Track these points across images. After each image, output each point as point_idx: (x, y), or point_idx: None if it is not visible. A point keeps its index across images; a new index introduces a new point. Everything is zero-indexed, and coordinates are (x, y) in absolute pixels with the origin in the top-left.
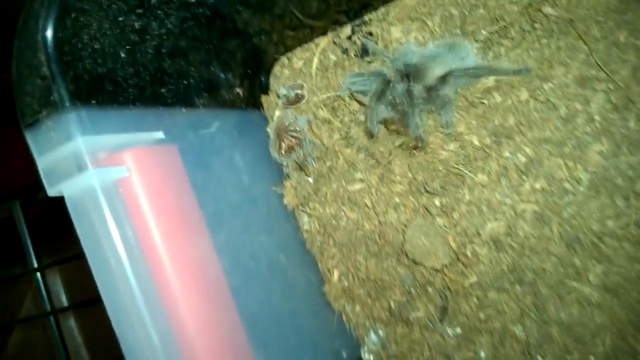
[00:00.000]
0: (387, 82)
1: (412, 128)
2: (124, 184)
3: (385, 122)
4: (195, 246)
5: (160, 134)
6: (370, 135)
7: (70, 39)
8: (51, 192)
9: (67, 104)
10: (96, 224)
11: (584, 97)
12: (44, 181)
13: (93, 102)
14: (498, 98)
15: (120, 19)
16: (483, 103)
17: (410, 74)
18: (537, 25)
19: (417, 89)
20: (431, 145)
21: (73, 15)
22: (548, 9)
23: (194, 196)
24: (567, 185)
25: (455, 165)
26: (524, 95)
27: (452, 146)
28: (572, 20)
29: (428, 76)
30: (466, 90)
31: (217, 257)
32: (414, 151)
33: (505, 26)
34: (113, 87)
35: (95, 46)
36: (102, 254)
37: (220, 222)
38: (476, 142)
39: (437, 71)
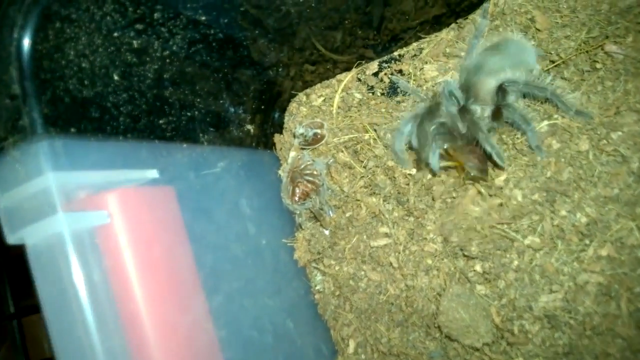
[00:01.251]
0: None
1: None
2: (102, 234)
3: (447, 152)
4: (186, 312)
5: (154, 173)
6: (433, 173)
7: (52, 53)
8: (11, 238)
9: (39, 131)
10: (62, 284)
11: None
12: (4, 224)
13: (72, 130)
14: (552, 146)
15: (115, 34)
16: (533, 152)
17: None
18: (598, 65)
19: (473, 106)
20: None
21: (57, 25)
22: (612, 47)
23: (190, 249)
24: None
25: (498, 225)
26: (585, 145)
27: (491, 202)
28: None
29: (481, 90)
30: (512, 134)
31: (213, 325)
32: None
33: (558, 64)
34: (100, 114)
35: (83, 64)
36: (67, 321)
37: (218, 282)
38: (520, 198)
39: (490, 82)
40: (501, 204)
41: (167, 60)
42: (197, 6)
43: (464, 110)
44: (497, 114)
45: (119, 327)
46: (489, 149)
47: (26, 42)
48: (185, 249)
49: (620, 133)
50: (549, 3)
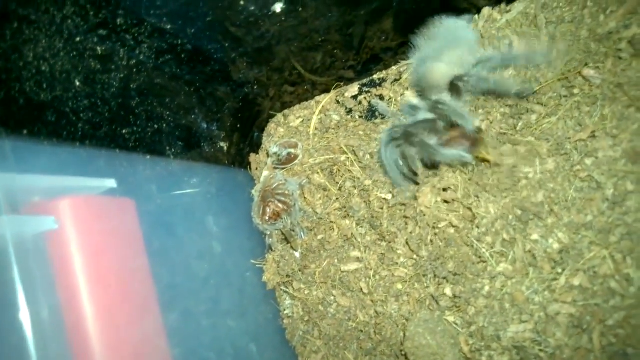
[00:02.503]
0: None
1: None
2: (50, 240)
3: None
4: (137, 326)
5: (111, 182)
6: (414, 173)
7: (9, 53)
8: None
9: None
10: (2, 290)
11: (637, 175)
12: None
13: (25, 132)
14: (529, 167)
15: (78, 38)
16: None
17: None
18: (575, 90)
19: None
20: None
21: (15, 25)
22: (590, 72)
23: (147, 263)
24: (613, 284)
25: (469, 237)
26: (557, 169)
27: (464, 214)
28: (620, 85)
29: (432, 79)
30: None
31: (166, 343)
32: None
33: (536, 91)
34: (57, 118)
35: (43, 67)
36: (4, 327)
37: (175, 299)
38: (493, 212)
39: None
40: (474, 217)
41: (134, 70)
42: (161, 13)
43: (431, 105)
44: (454, 90)
45: (61, 336)
46: (459, 120)
47: None
48: (142, 262)
49: (594, 159)
50: (528, 29)
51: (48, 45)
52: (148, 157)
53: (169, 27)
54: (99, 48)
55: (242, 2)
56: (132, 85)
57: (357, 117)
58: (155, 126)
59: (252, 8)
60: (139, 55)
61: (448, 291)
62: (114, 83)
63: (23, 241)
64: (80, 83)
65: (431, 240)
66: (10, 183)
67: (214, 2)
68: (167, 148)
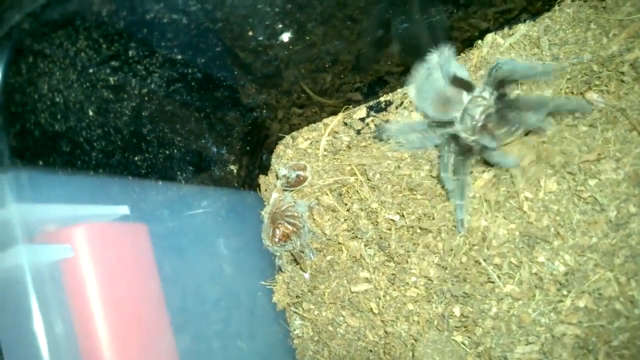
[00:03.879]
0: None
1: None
2: (66, 268)
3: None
4: (151, 351)
5: (124, 209)
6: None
7: (24, 86)
8: None
9: (5, 163)
10: (19, 316)
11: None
12: None
13: (40, 163)
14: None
15: (91, 70)
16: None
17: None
18: (577, 113)
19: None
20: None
21: (30, 59)
22: (593, 95)
23: (160, 288)
24: (618, 305)
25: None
26: (562, 190)
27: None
28: (623, 109)
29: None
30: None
31: None
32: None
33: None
34: (71, 148)
35: (57, 99)
36: (23, 355)
37: (186, 322)
38: (502, 235)
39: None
40: (484, 238)
41: (146, 98)
42: (172, 45)
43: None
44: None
45: None
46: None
47: None
48: (155, 287)
49: (597, 181)
50: (531, 51)
51: (62, 78)
52: (160, 182)
53: (179, 57)
54: (111, 79)
55: (250, 33)
56: (143, 113)
57: (368, 137)
58: (167, 152)
59: (261, 38)
60: (150, 84)
61: (457, 311)
62: (126, 112)
63: (39, 270)
64: (93, 113)
65: (442, 260)
66: (27, 213)
67: (223, 33)
68: (179, 173)
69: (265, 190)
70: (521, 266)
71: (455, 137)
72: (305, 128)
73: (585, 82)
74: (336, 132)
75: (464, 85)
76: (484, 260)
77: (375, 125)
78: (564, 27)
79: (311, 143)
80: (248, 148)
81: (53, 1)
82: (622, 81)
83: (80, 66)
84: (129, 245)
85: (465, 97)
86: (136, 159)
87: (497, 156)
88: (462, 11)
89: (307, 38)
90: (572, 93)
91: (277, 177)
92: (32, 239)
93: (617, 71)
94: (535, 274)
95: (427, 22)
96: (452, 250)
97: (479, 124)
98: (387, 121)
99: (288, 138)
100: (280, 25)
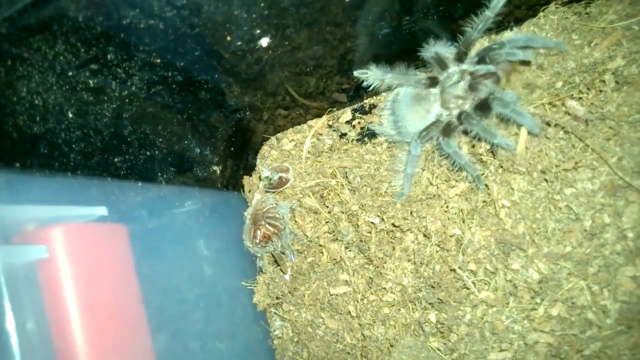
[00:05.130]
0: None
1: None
2: (42, 268)
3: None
4: (126, 350)
5: (102, 210)
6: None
7: (3, 89)
8: None
9: None
10: None
11: (615, 208)
12: None
13: (17, 165)
14: (507, 198)
15: (70, 73)
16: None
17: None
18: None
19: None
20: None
21: (8, 63)
22: (573, 103)
23: (138, 288)
24: (590, 315)
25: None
26: (542, 197)
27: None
28: (602, 118)
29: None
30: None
31: None
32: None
33: None
34: (49, 150)
35: (36, 102)
36: None
37: (165, 322)
38: (477, 243)
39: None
40: (459, 244)
41: (126, 100)
42: (150, 49)
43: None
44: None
45: None
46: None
47: None
48: (132, 286)
49: (573, 190)
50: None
51: (41, 80)
52: (140, 183)
53: (158, 60)
54: (90, 81)
55: (228, 38)
56: (124, 115)
57: (351, 140)
58: (148, 153)
59: (239, 43)
60: (130, 86)
61: (432, 317)
62: (106, 114)
63: (14, 270)
64: (72, 115)
65: (419, 265)
66: (3, 215)
67: (202, 38)
68: (159, 174)
69: (249, 191)
70: (496, 273)
71: (448, 127)
72: (290, 129)
73: (566, 90)
74: (320, 134)
75: (440, 62)
76: (459, 268)
77: (361, 128)
78: (549, 35)
79: (296, 145)
80: (232, 149)
81: (30, 6)
82: (601, 90)
83: (59, 69)
84: (107, 245)
85: (435, 90)
86: (116, 160)
87: (499, 137)
88: (447, 17)
89: (287, 43)
90: (553, 101)
91: (260, 179)
92: (7, 240)
93: (598, 80)
94: (510, 280)
95: (408, 28)
96: (429, 256)
97: (467, 85)
98: (371, 123)
99: (273, 139)
100: (259, 31)
